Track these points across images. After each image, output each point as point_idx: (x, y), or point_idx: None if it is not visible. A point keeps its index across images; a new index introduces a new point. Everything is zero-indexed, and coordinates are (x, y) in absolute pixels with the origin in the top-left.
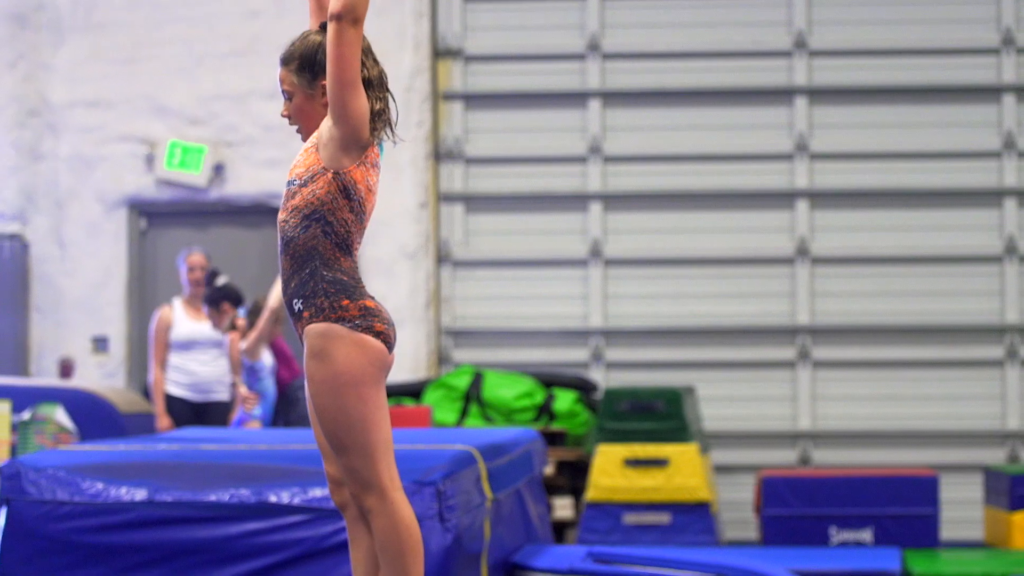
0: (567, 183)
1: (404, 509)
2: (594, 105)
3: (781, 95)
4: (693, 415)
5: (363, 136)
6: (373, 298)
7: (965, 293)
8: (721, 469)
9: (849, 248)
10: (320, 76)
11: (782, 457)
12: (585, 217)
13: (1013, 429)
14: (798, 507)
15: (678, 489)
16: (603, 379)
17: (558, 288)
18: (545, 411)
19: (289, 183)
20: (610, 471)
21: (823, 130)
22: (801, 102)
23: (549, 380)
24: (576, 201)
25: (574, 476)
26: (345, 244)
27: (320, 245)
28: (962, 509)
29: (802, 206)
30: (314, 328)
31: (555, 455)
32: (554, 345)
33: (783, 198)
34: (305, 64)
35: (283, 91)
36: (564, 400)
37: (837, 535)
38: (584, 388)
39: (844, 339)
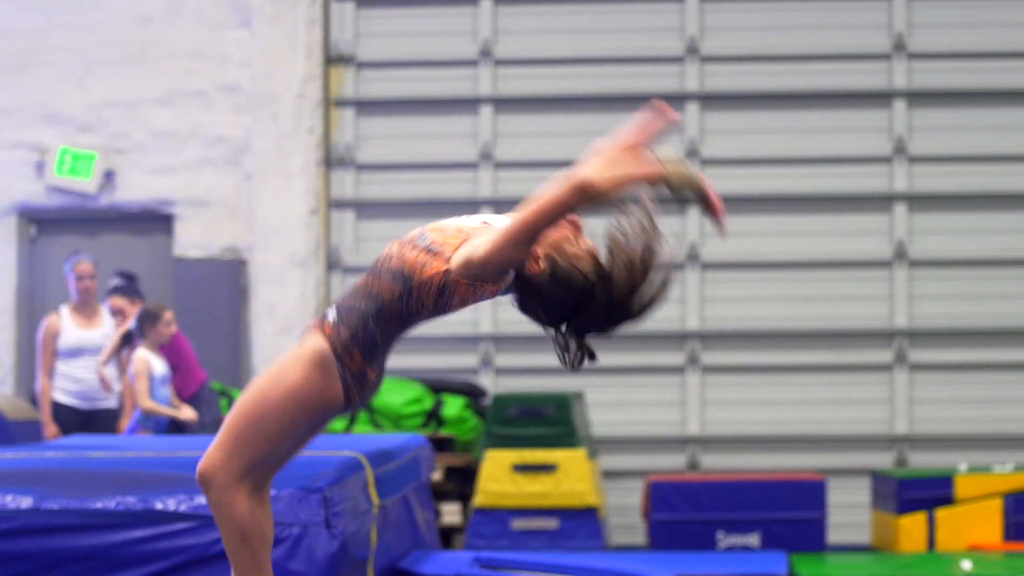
0: (459, 189)
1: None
2: (485, 111)
3: (673, 101)
4: (581, 420)
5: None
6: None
7: (854, 298)
8: (609, 474)
9: (739, 253)
10: None
11: (670, 462)
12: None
13: (901, 433)
14: (686, 512)
15: (566, 494)
16: (492, 385)
17: None
18: (434, 417)
19: (423, 235)
20: (498, 476)
21: (714, 135)
22: (693, 108)
23: (438, 386)
24: (468, 207)
25: (462, 482)
26: (400, 318)
27: (387, 302)
28: (850, 513)
29: (693, 213)
30: (319, 341)
31: (443, 461)
32: (443, 351)
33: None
34: None
35: None
36: (453, 406)
37: (724, 539)
38: (473, 394)
39: (733, 344)
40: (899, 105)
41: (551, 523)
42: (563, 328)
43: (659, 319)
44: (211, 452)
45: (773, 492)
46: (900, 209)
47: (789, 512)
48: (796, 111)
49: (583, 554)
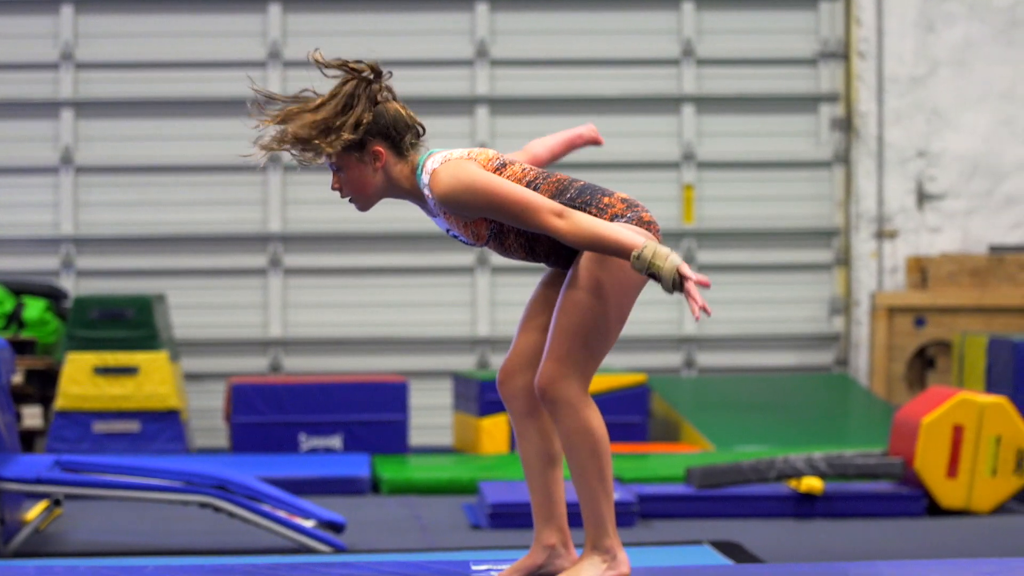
0: (39, 90)
1: (594, 413)
2: (67, 12)
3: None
4: (163, 323)
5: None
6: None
7: None
8: (192, 377)
9: None
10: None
11: (254, 364)
12: (57, 124)
13: (483, 335)
14: (268, 414)
15: (148, 397)
16: (74, 287)
17: (28, 195)
18: (14, 319)
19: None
20: (80, 379)
21: (296, 38)
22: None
23: (18, 288)
24: (47, 108)
25: (44, 385)
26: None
27: (537, 215)
28: (432, 415)
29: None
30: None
31: (24, 364)
32: (24, 253)
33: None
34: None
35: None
36: (34, 308)
37: (307, 441)
38: (54, 296)
39: (315, 246)
40: (481, 9)
41: (133, 426)
42: None
43: (242, 221)
44: (553, 366)
45: (355, 394)
46: (482, 112)
47: (371, 414)
48: (581, 12)
49: (165, 457)
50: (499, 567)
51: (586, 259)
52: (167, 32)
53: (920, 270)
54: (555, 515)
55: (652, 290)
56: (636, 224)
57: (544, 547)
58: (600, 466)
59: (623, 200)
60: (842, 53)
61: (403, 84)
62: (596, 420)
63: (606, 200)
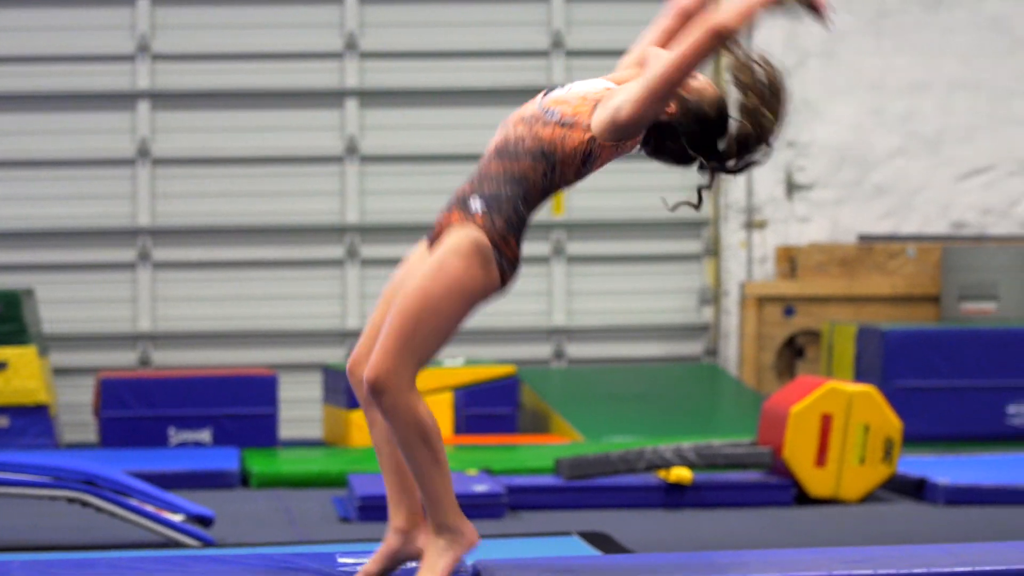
0: None
1: (421, 404)
2: None
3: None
4: (32, 317)
5: (633, 139)
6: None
7: (306, 193)
8: (61, 371)
9: (192, 149)
10: None
11: (123, 359)
12: None
13: (352, 328)
14: (137, 408)
15: (16, 392)
16: None
17: None
18: None
19: (548, 111)
20: None
21: (164, 31)
22: (144, 4)
23: None
24: None
25: None
26: (544, 193)
27: (532, 181)
28: (302, 408)
29: (143, 107)
30: (473, 232)
31: None
32: None
33: (121, 99)
34: None
35: None
36: None
37: (176, 436)
38: None
39: (184, 240)
40: (350, 2)
41: (1, 421)
42: (702, 161)
43: (111, 215)
44: (380, 358)
45: (224, 388)
46: (352, 104)
47: (241, 408)
48: (247, 7)
49: (34, 452)
50: (365, 559)
51: (445, 246)
52: (33, 26)
53: (789, 260)
54: (407, 498)
55: (522, 281)
56: (500, 270)
57: (396, 531)
58: (432, 452)
59: (516, 255)
60: None
61: (272, 77)
62: (424, 410)
63: (512, 241)
